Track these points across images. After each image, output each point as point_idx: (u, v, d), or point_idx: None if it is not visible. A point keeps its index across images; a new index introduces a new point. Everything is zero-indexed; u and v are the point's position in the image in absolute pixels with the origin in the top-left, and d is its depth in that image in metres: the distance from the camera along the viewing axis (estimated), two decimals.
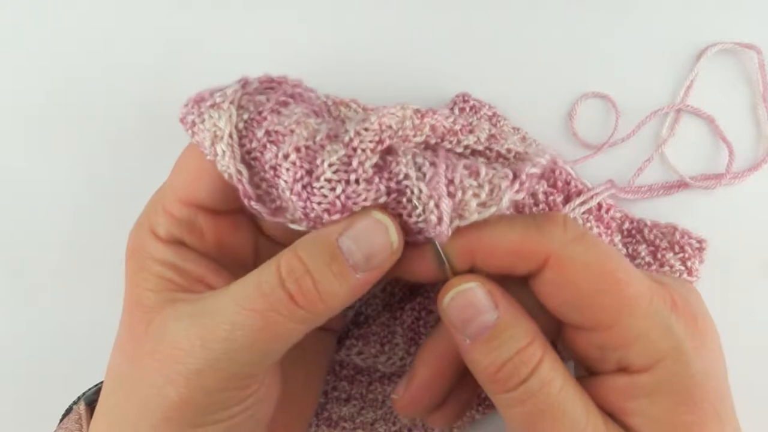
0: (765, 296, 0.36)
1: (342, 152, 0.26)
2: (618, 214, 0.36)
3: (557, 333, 0.29)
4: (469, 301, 0.26)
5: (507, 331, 0.26)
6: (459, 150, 0.28)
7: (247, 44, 0.40)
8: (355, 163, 0.25)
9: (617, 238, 0.36)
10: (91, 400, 0.32)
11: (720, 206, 0.37)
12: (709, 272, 0.36)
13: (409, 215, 0.26)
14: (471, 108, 0.37)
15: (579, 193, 0.34)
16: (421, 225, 0.26)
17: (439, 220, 0.25)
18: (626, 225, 0.36)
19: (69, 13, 0.41)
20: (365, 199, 0.26)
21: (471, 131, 0.28)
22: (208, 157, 0.27)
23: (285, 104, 0.28)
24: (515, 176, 0.25)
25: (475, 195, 0.25)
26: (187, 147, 0.29)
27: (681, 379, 0.25)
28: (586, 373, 0.28)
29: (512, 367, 0.25)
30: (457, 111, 0.37)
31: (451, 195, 0.25)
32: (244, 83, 0.28)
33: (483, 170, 0.25)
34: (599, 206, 0.35)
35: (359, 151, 0.25)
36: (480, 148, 0.28)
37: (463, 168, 0.26)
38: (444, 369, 0.29)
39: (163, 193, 0.29)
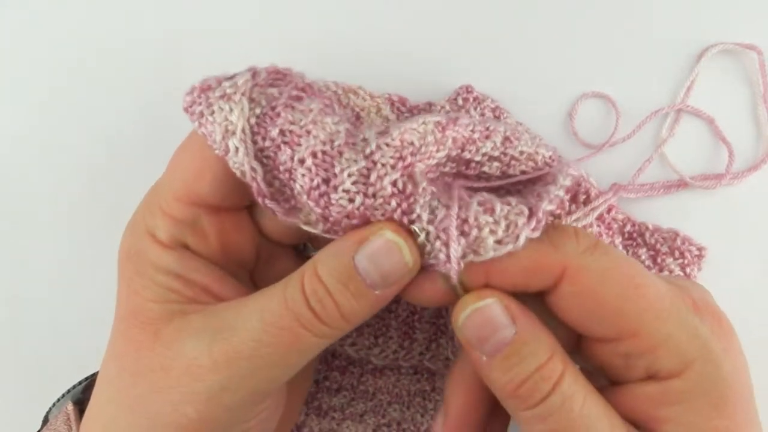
0: (764, 295, 0.36)
1: (362, 164, 0.25)
2: (620, 216, 0.36)
3: (574, 346, 0.28)
4: (486, 317, 0.25)
5: (526, 347, 0.25)
6: (478, 158, 0.28)
7: (249, 36, 0.40)
8: (373, 177, 0.25)
9: (618, 240, 0.35)
10: (78, 398, 0.31)
11: (720, 206, 0.36)
12: (709, 271, 0.35)
13: (421, 251, 0.26)
14: (474, 99, 0.37)
15: (586, 192, 0.34)
16: (432, 261, 0.26)
17: (447, 258, 0.25)
18: (628, 228, 0.36)
19: (69, 11, 0.41)
20: (383, 214, 0.25)
21: (488, 137, 0.28)
22: (218, 152, 0.26)
23: (299, 99, 0.27)
24: (531, 213, 0.25)
25: (492, 232, 0.25)
26: (183, 144, 0.28)
27: (713, 381, 0.25)
28: (607, 383, 0.27)
29: (533, 384, 0.24)
30: (460, 101, 0.37)
31: (465, 234, 0.25)
32: (254, 73, 0.28)
33: (498, 207, 0.25)
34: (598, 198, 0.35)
35: (379, 166, 0.25)
36: (496, 153, 0.28)
37: (477, 205, 0.25)
38: (476, 396, 0.28)
39: (159, 193, 0.28)
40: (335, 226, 0.26)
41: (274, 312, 0.25)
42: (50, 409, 0.32)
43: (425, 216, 0.25)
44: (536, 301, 0.26)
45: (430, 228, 0.25)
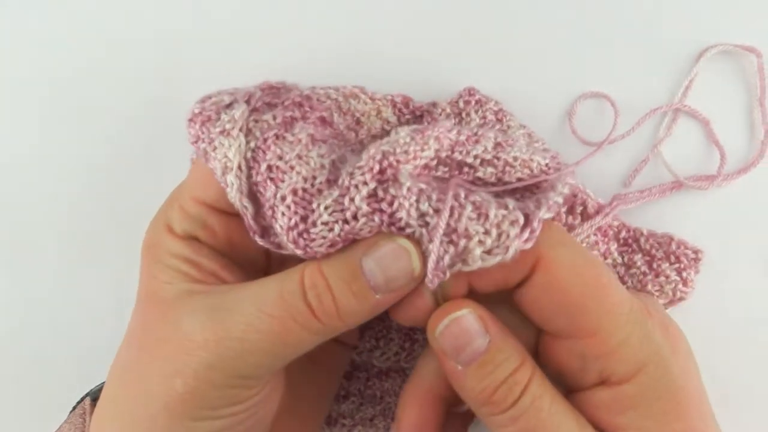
0: (760, 294, 0.37)
1: (336, 193, 0.26)
2: (615, 222, 0.36)
3: (534, 349, 0.29)
4: (462, 328, 0.26)
5: (499, 355, 0.26)
6: (469, 160, 0.28)
7: (250, 37, 0.39)
8: (347, 201, 0.25)
9: (613, 247, 0.36)
10: (97, 396, 0.32)
11: (712, 207, 0.37)
12: (704, 271, 0.36)
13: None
14: (477, 102, 0.37)
15: (583, 204, 0.34)
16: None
17: (433, 265, 0.25)
18: (623, 234, 0.36)
19: (70, 11, 0.40)
20: (369, 232, 0.26)
21: (477, 141, 0.29)
22: (222, 185, 0.27)
23: (292, 123, 0.27)
24: (527, 222, 0.25)
25: (481, 242, 0.25)
26: None
27: (664, 384, 0.26)
28: (564, 391, 0.28)
29: (507, 389, 0.26)
30: (461, 104, 0.37)
31: (454, 243, 0.25)
32: (249, 98, 0.28)
33: (492, 212, 0.25)
34: (597, 211, 0.35)
35: (351, 189, 0.25)
36: (488, 157, 0.28)
37: (471, 210, 0.25)
38: (428, 414, 0.29)
39: (180, 190, 0.30)
40: (323, 257, 0.26)
41: (268, 299, 0.26)
42: (73, 409, 0.33)
43: (413, 222, 0.25)
44: (498, 306, 0.27)
45: (423, 231, 0.25)
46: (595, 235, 0.35)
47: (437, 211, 0.25)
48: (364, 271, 0.25)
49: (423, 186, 0.26)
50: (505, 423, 0.26)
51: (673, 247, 0.35)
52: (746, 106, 0.38)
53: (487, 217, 0.25)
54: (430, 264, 0.25)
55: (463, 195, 0.26)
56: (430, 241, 0.25)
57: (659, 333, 0.27)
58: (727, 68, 0.38)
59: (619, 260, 0.36)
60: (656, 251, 0.35)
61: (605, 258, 0.35)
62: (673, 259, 0.35)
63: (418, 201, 0.25)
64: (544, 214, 0.26)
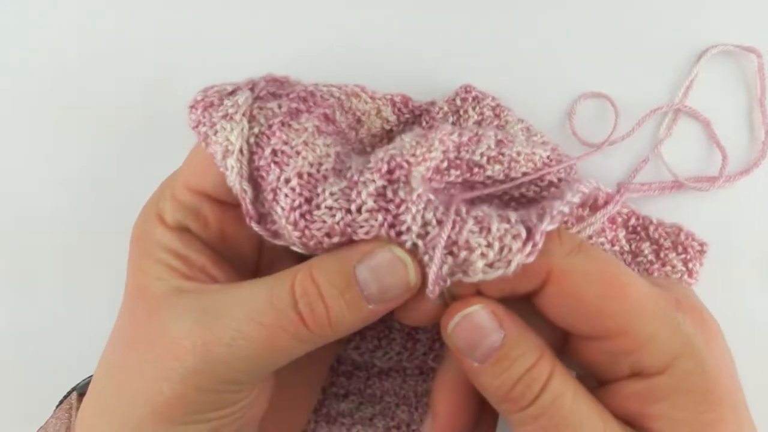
0: (760, 297, 0.37)
1: (344, 184, 0.26)
2: (625, 210, 0.36)
3: (562, 346, 0.28)
4: (474, 324, 0.25)
5: (515, 351, 0.25)
6: (477, 158, 0.29)
7: (250, 36, 0.39)
8: (353, 194, 0.25)
9: (621, 234, 0.36)
10: (84, 391, 0.31)
11: (713, 208, 0.37)
12: (704, 272, 0.36)
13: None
14: (474, 99, 0.37)
15: (594, 198, 0.34)
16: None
17: (434, 278, 0.25)
18: (632, 221, 0.36)
19: (71, 10, 0.40)
20: (367, 232, 0.25)
21: (479, 141, 0.29)
22: (221, 169, 0.26)
23: (297, 114, 0.27)
24: (529, 235, 0.25)
25: (483, 255, 0.25)
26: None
27: (697, 376, 0.25)
28: (595, 383, 0.28)
29: (524, 386, 0.25)
30: (459, 102, 0.37)
31: (454, 255, 0.25)
32: (253, 86, 0.28)
33: (495, 226, 0.25)
34: (606, 201, 0.35)
35: (360, 184, 0.26)
36: (493, 154, 0.29)
37: (473, 224, 0.25)
38: (462, 400, 0.28)
39: (173, 178, 0.29)
40: (317, 246, 0.26)
41: (258, 305, 0.25)
42: (59, 403, 0.33)
43: (416, 228, 0.25)
44: (523, 302, 0.27)
45: (419, 242, 0.25)
46: (602, 222, 0.35)
47: (440, 222, 0.25)
48: (357, 280, 0.25)
49: (432, 197, 0.26)
50: (526, 421, 0.25)
51: (682, 237, 0.35)
52: (746, 107, 0.38)
53: (489, 230, 0.25)
54: (431, 275, 0.25)
55: (464, 210, 0.26)
56: (425, 252, 0.25)
57: (690, 324, 0.26)
58: (727, 68, 0.38)
59: (627, 248, 0.35)
60: (664, 240, 0.35)
61: (612, 245, 0.35)
62: (680, 249, 0.35)
63: (425, 209, 0.25)
64: (547, 226, 0.25)
